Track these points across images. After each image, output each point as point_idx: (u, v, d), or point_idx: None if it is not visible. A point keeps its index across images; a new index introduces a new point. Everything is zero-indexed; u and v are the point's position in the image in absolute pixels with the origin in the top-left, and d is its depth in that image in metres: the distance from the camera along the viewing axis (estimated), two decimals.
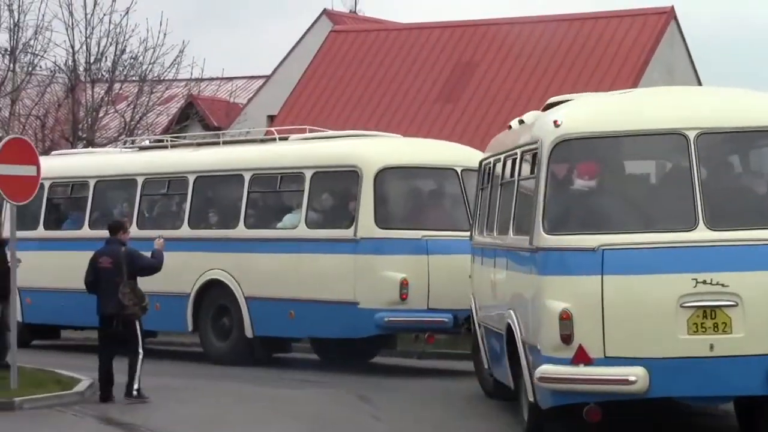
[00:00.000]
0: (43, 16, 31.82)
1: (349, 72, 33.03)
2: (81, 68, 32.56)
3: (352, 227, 19.52)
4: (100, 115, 32.71)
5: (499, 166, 16.17)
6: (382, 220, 19.66)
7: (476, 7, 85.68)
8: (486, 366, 17.24)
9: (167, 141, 24.79)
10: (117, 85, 33.21)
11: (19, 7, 31.55)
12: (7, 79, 31.91)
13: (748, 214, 13.36)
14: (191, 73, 34.52)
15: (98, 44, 32.48)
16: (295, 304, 19.91)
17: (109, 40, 32.45)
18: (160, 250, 17.40)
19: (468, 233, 18.30)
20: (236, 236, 20.74)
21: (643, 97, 14.93)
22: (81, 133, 32.07)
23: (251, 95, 40.35)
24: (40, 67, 33.11)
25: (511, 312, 14.31)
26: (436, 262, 19.34)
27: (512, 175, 15.04)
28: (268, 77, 40.07)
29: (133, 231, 19.66)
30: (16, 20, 31.57)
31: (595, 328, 12.74)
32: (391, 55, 32.95)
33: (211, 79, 37.53)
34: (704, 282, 12.73)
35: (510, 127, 16.12)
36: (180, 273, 19.95)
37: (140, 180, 22.58)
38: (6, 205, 20.61)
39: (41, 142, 30.59)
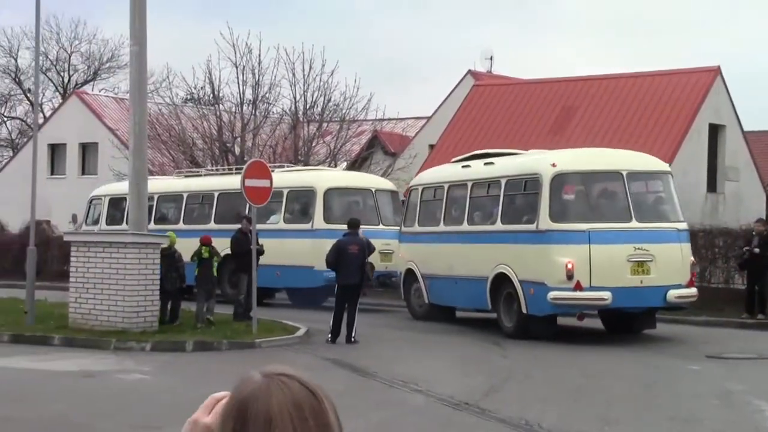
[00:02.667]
0: (275, 77, 34.10)
1: (486, 114, 33.46)
2: (300, 113, 33.97)
3: (310, 223, 23.27)
4: (313, 145, 34.03)
5: (462, 187, 20.11)
6: (327, 219, 23.29)
7: (576, 65, 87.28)
8: (426, 300, 21.06)
9: (202, 171, 28.54)
10: (324, 124, 34.45)
11: (258, 71, 33.61)
12: (250, 121, 33.94)
13: (654, 214, 18.01)
14: (376, 115, 36.05)
15: (312, 96, 34.03)
16: (279, 268, 22.99)
17: (320, 93, 33.96)
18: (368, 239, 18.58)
19: (377, 227, 22.73)
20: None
21: (598, 152, 20.35)
22: (300, 157, 33.25)
23: (418, 130, 40.16)
24: (273, 112, 35.13)
25: (505, 266, 18.11)
26: None
27: (489, 192, 19.26)
28: (429, 117, 40.06)
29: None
30: (256, 80, 33.82)
31: (585, 271, 16.94)
32: (517, 101, 33.14)
33: (390, 119, 38.45)
34: (638, 248, 17.19)
35: (469, 165, 20.22)
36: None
37: (185, 195, 26.56)
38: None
39: (272, 164, 30.94)
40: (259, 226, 23.01)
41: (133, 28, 18.20)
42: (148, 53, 18.37)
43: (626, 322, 18.57)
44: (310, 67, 33.53)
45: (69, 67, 59.37)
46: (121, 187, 28.72)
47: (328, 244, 21.52)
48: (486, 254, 18.78)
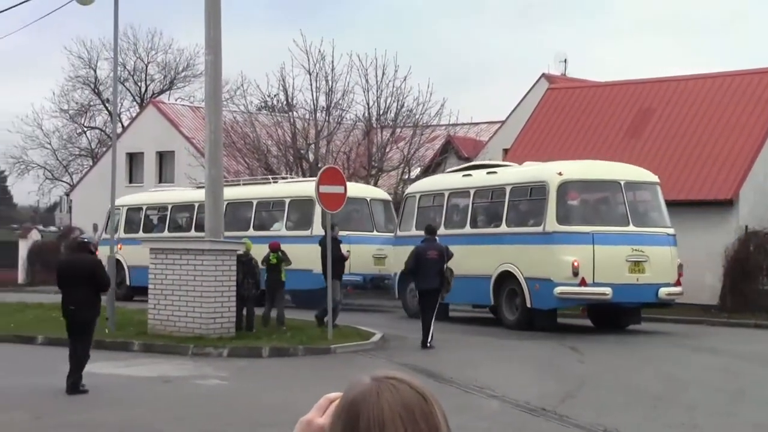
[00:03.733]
0: (348, 83, 34.18)
1: (560, 117, 32.94)
2: (373, 119, 34.14)
3: (310, 229, 24.79)
4: (387, 150, 34.21)
5: (463, 194, 21.99)
6: (324, 225, 22.70)
7: (653, 66, 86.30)
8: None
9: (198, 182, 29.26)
10: (398, 130, 34.52)
11: (332, 78, 33.88)
12: (324, 127, 34.06)
13: (648, 220, 20.02)
14: (449, 120, 36.02)
15: (385, 102, 34.12)
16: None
17: (393, 98, 34.09)
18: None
19: (371, 234, 25.16)
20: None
21: (598, 163, 21.75)
22: (374, 163, 33.64)
23: (491, 135, 39.67)
24: (346, 118, 35.02)
25: (511, 264, 19.90)
26: (354, 247, 23.86)
27: (493, 198, 21.14)
28: (503, 122, 39.92)
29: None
30: (330, 87, 33.97)
31: (589, 268, 18.82)
32: (592, 104, 32.53)
33: (463, 124, 38.31)
34: (635, 250, 19.20)
35: (470, 174, 22.07)
36: None
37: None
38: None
39: (346, 170, 31.40)
40: (262, 233, 24.84)
41: (208, 37, 18.52)
42: (222, 62, 18.64)
43: (614, 318, 20.40)
44: (383, 73, 33.83)
45: (146, 77, 60.53)
46: (138, 198, 31.44)
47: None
48: (490, 254, 20.53)
